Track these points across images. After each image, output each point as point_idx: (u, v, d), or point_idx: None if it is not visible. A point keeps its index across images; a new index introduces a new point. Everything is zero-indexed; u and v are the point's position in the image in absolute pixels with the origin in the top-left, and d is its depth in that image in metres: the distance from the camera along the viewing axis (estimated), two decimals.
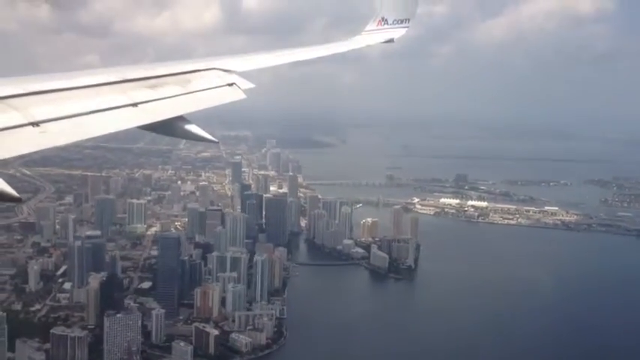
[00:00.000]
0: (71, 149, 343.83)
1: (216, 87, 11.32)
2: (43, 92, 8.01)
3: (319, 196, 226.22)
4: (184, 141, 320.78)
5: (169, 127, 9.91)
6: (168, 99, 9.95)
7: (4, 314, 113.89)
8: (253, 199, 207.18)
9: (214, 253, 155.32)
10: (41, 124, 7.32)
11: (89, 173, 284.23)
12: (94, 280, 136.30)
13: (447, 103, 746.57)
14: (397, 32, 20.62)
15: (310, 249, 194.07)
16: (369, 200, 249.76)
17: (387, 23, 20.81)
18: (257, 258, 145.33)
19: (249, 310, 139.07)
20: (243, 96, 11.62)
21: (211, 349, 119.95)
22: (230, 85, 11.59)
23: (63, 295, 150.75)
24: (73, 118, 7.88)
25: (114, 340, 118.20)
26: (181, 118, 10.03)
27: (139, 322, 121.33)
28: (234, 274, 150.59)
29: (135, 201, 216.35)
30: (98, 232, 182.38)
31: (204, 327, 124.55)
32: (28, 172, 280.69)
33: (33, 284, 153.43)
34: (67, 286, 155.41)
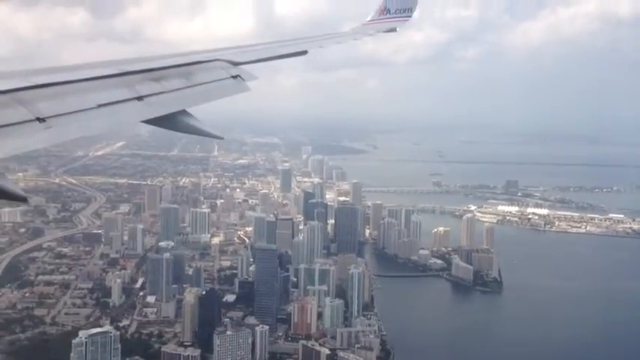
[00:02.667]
0: (109, 157, 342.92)
1: (220, 79, 11.25)
2: (49, 85, 7.85)
3: (383, 204, 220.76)
4: (216, 147, 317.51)
5: (174, 122, 9.83)
6: (172, 92, 9.89)
7: (118, 333, 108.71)
8: (321, 207, 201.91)
9: (302, 266, 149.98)
10: (47, 119, 7.23)
11: (134, 182, 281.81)
12: (190, 295, 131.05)
13: (475, 108, 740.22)
14: (399, 22, 20.79)
15: (382, 259, 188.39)
16: (424, 208, 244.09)
17: (390, 13, 21.26)
18: (353, 271, 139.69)
19: (347, 326, 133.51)
20: (247, 89, 11.59)
21: None
22: (234, 77, 11.52)
23: (149, 309, 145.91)
24: (79, 113, 7.79)
25: (224, 359, 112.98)
26: (185, 113, 10.03)
27: (249, 339, 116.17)
28: (324, 287, 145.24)
29: (198, 210, 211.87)
30: (171, 243, 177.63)
31: (312, 345, 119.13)
32: (73, 181, 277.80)
33: (116, 298, 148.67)
34: (150, 299, 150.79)
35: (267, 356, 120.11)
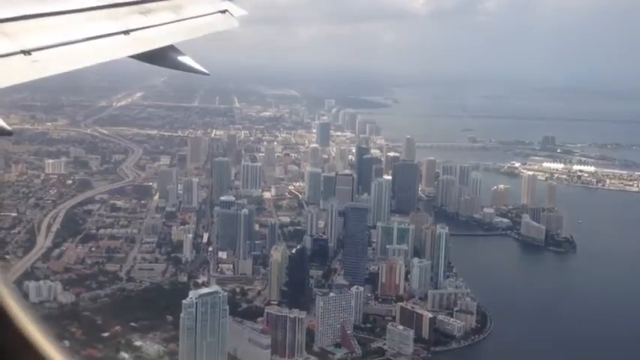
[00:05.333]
0: (133, 107, 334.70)
1: (208, 14, 11.15)
2: (33, 17, 7.63)
3: (437, 160, 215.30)
4: (236, 99, 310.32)
5: (161, 58, 9.81)
6: (160, 26, 9.69)
7: (226, 294, 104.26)
8: (379, 163, 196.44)
9: (379, 224, 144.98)
10: (33, 53, 7.13)
11: (165, 133, 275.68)
12: (277, 253, 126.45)
13: (497, 62, 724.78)
14: None
15: (443, 218, 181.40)
16: (466, 164, 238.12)
17: None
18: (440, 230, 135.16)
19: (433, 287, 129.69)
20: (235, 24, 11.54)
21: (425, 333, 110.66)
22: (222, 12, 11.49)
23: (225, 266, 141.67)
24: (66, 46, 7.72)
25: (327, 321, 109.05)
26: (173, 49, 9.92)
27: (352, 301, 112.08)
28: (404, 247, 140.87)
29: (249, 164, 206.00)
30: (232, 198, 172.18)
31: (412, 308, 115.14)
32: (105, 132, 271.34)
33: (188, 254, 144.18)
34: (222, 255, 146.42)
35: (361, 318, 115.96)
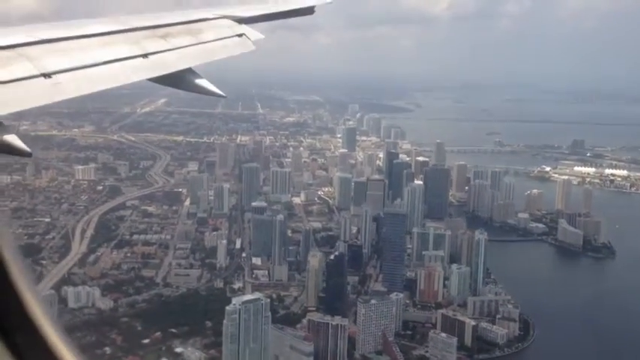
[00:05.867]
0: (157, 114, 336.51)
1: (226, 37, 11.38)
2: (54, 40, 7.81)
3: (467, 165, 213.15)
4: (259, 105, 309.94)
5: (179, 80, 10.02)
6: (178, 50, 9.93)
7: (268, 300, 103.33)
8: (409, 168, 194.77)
9: (415, 229, 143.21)
10: (53, 76, 7.27)
11: (191, 139, 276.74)
12: (314, 259, 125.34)
13: (517, 66, 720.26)
14: None
15: (476, 223, 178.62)
16: (495, 169, 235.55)
17: None
18: (480, 237, 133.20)
19: (473, 294, 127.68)
20: (252, 47, 11.80)
21: (467, 341, 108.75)
22: (240, 36, 11.72)
23: (260, 272, 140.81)
24: (85, 70, 7.85)
25: (368, 329, 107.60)
26: (191, 72, 10.11)
27: (394, 308, 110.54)
28: (441, 253, 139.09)
29: (278, 169, 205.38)
30: (264, 204, 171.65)
31: (454, 315, 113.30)
32: (131, 138, 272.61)
33: (222, 260, 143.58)
34: (256, 261, 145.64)
35: (401, 325, 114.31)
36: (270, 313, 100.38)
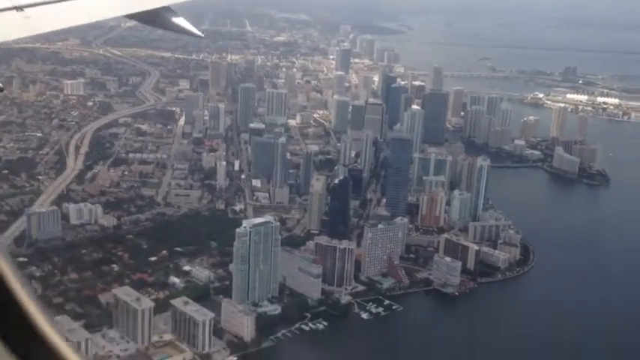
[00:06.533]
0: (141, 29, 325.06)
1: None
2: None
3: (464, 90, 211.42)
4: (247, 22, 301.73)
5: (156, 18, 9.90)
6: None
7: (278, 224, 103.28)
8: (406, 92, 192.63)
9: (416, 155, 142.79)
10: (25, 9, 7.05)
11: (180, 56, 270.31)
12: (318, 182, 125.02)
13: None
14: None
15: (472, 149, 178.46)
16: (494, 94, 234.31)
17: None
18: (482, 163, 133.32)
19: (473, 219, 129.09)
20: None
21: (470, 264, 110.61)
22: None
23: (261, 194, 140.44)
24: (60, 4, 7.58)
25: (374, 252, 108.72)
26: (168, 10, 9.93)
27: (400, 233, 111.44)
28: (442, 179, 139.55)
29: (274, 90, 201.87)
30: (262, 125, 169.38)
31: (457, 240, 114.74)
32: (117, 52, 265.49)
33: (222, 181, 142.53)
34: (256, 183, 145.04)
35: (404, 249, 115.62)
36: (279, 236, 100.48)
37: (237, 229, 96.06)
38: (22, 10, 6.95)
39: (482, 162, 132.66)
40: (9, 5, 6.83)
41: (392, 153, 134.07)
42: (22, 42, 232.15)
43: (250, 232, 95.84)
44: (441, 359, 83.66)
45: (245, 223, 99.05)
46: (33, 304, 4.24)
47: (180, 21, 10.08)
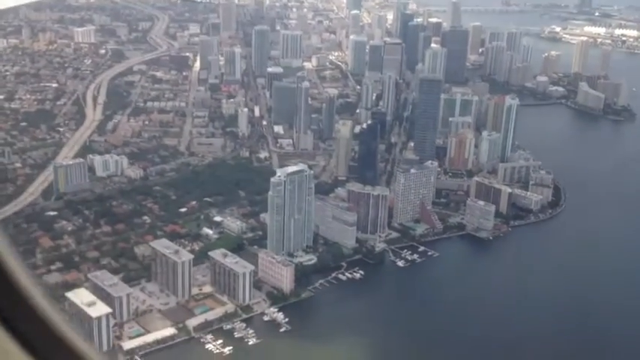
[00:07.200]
0: None
1: None
2: None
3: (482, 26, 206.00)
4: None
5: None
6: None
7: (312, 172, 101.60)
8: (424, 30, 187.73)
9: (442, 95, 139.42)
10: None
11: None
12: (345, 127, 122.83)
13: None
14: None
15: (493, 87, 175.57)
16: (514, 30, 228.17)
17: None
18: (511, 102, 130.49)
19: (502, 160, 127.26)
20: None
21: (502, 208, 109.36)
22: None
23: (284, 141, 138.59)
24: None
25: (407, 198, 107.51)
26: None
27: (432, 178, 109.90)
28: (468, 119, 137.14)
29: (289, 32, 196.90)
30: (280, 70, 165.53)
31: (490, 183, 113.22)
32: None
33: (244, 128, 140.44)
34: (278, 129, 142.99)
35: (434, 193, 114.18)
36: (313, 185, 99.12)
37: (272, 179, 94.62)
38: None
39: (511, 101, 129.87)
40: None
41: (420, 94, 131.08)
42: None
43: (285, 181, 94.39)
44: (488, 309, 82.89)
45: (279, 171, 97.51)
46: (33, 287, 4.24)
47: None
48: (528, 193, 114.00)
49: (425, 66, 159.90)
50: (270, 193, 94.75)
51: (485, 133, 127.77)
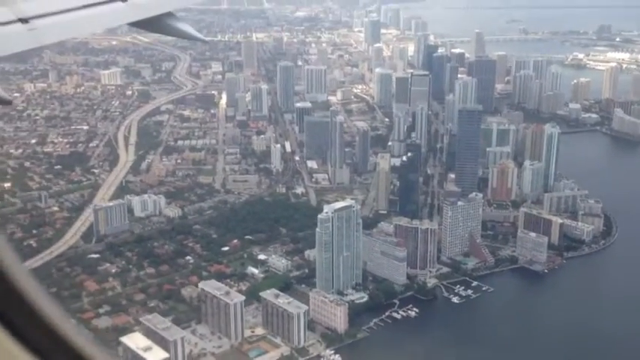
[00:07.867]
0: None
1: None
2: None
3: (507, 55, 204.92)
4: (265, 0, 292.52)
5: (160, 25, 9.63)
6: None
7: (359, 207, 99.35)
8: (452, 61, 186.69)
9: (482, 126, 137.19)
10: (30, 21, 6.99)
11: (206, 38, 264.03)
12: (384, 161, 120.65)
13: None
14: None
15: (525, 116, 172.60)
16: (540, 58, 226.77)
17: None
18: (552, 130, 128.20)
19: (545, 190, 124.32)
20: None
21: (554, 239, 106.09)
22: None
23: (319, 175, 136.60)
24: (64, 14, 7.50)
25: (455, 231, 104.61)
26: (172, 16, 9.77)
27: (480, 210, 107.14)
28: (506, 149, 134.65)
29: (313, 67, 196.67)
30: (309, 104, 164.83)
31: (539, 213, 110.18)
32: (144, 39, 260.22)
33: (277, 164, 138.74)
34: (311, 164, 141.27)
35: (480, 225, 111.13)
36: (361, 220, 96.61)
37: (319, 215, 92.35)
38: (27, 22, 6.87)
39: (552, 129, 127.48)
40: (14, 18, 6.75)
41: (460, 125, 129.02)
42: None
43: (332, 217, 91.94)
44: (556, 346, 79.16)
45: (326, 208, 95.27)
46: (37, 291, 4.18)
47: (185, 26, 10.10)
48: (579, 223, 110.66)
49: (455, 96, 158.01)
50: (317, 229, 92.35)
51: (527, 163, 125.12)
